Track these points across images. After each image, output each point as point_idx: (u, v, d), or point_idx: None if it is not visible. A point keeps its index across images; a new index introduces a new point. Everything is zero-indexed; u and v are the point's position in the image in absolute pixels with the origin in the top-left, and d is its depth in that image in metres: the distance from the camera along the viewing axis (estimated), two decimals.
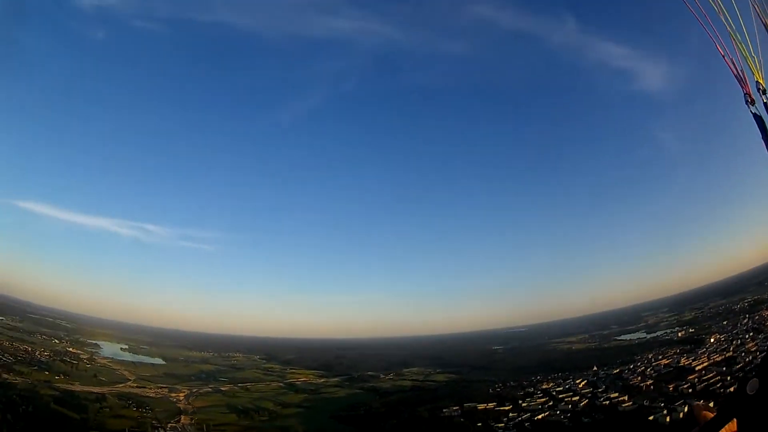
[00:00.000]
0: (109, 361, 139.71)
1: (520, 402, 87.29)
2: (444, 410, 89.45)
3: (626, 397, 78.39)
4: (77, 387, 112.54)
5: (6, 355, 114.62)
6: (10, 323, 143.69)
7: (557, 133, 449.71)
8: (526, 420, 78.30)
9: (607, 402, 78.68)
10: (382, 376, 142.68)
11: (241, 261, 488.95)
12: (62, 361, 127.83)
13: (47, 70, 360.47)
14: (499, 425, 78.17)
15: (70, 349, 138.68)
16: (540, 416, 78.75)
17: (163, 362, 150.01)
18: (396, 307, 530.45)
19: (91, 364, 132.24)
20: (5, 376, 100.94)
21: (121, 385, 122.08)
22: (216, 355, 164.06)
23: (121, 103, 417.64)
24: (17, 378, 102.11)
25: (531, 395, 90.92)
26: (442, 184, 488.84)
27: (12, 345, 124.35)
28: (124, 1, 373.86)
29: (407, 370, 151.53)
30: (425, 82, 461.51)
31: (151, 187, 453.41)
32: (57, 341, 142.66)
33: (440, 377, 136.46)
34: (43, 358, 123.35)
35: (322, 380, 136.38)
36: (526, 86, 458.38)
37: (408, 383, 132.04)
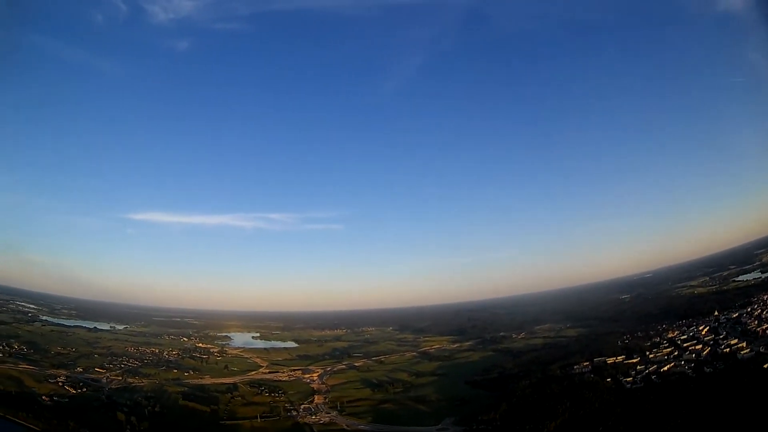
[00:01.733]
0: (240, 351, 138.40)
1: (647, 353, 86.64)
2: (575, 367, 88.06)
3: (744, 344, 75.98)
4: (207, 380, 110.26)
5: (131, 360, 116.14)
6: (136, 330, 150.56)
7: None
8: (653, 372, 76.20)
9: (728, 350, 75.65)
10: (514, 335, 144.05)
11: (368, 235, 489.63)
12: (191, 357, 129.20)
13: (142, 87, 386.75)
14: (628, 379, 75.55)
15: (200, 345, 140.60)
16: (666, 367, 77.13)
17: (296, 345, 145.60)
18: (525, 262, 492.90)
19: (222, 356, 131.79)
20: (130, 380, 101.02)
21: (253, 373, 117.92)
22: (349, 331, 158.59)
23: (219, 103, 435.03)
24: (143, 381, 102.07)
25: (657, 345, 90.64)
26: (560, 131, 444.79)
27: (138, 350, 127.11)
28: (200, 9, 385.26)
29: (539, 327, 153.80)
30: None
31: (270, 178, 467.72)
32: (185, 339, 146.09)
33: (571, 332, 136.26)
34: (171, 358, 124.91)
35: (456, 345, 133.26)
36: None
37: (539, 341, 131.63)
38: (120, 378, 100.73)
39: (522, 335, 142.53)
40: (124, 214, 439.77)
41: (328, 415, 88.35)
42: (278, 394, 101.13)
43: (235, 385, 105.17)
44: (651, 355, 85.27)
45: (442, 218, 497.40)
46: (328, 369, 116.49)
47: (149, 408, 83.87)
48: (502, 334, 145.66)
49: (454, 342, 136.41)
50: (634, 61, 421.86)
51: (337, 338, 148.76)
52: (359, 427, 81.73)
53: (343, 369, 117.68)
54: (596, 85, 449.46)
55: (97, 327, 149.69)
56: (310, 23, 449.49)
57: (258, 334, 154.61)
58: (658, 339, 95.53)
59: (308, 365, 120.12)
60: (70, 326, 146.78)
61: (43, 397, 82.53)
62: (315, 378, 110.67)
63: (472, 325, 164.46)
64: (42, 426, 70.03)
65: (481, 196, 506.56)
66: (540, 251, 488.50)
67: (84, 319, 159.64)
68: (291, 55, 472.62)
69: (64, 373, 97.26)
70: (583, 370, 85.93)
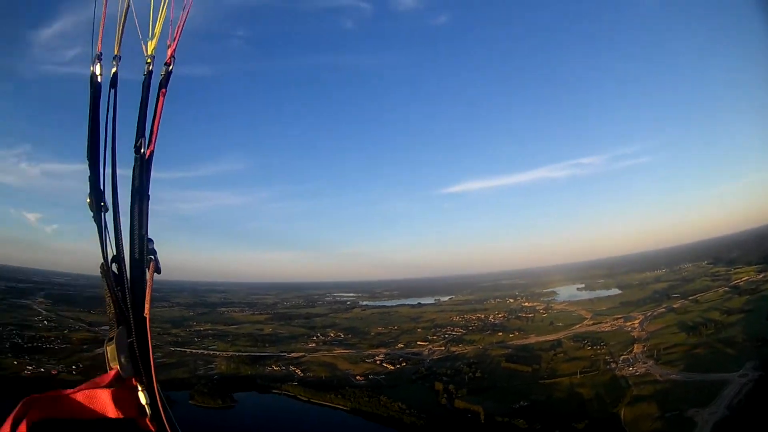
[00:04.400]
0: (565, 305, 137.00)
1: None
2: None
3: None
4: (532, 339, 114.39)
5: (455, 329, 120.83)
6: (461, 299, 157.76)
7: None
8: None
9: None
10: None
11: (675, 164, 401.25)
12: (517, 318, 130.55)
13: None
14: None
15: (526, 304, 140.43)
16: None
17: (619, 291, 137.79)
18: None
19: (547, 312, 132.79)
20: (453, 349, 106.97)
21: (577, 326, 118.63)
22: (667, 270, 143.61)
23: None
24: (467, 348, 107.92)
25: None
26: None
27: (463, 318, 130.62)
28: None
29: None
30: None
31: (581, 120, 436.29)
32: (511, 300, 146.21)
33: None
34: (496, 321, 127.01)
35: (761, 276, 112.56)
36: None
37: None
38: (443, 348, 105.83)
39: None
40: (439, 190, 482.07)
41: (645, 365, 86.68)
42: (600, 346, 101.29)
43: (558, 341, 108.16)
44: None
45: None
46: (648, 314, 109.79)
47: (469, 374, 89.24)
48: None
49: (760, 272, 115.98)
50: None
51: (657, 279, 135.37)
52: (671, 376, 78.73)
53: (662, 312, 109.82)
54: None
55: (421, 302, 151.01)
56: None
57: (583, 285, 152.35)
58: None
59: (630, 312, 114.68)
60: (392, 306, 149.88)
61: (357, 377, 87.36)
62: (636, 325, 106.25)
63: None
64: (350, 405, 77.14)
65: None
66: None
67: (407, 297, 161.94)
68: None
69: (384, 351, 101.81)
70: None
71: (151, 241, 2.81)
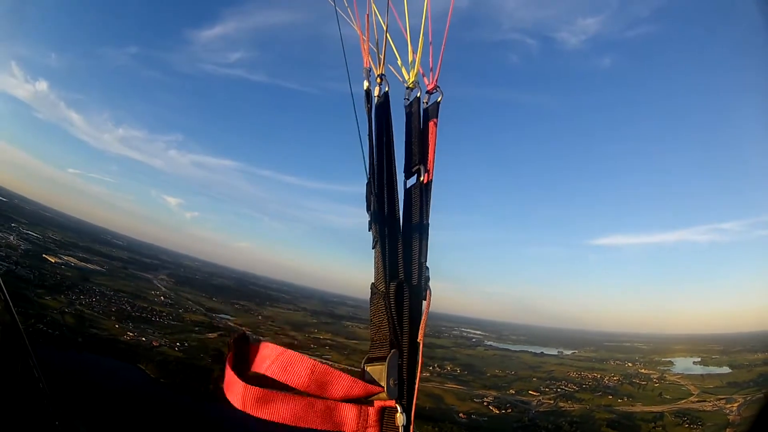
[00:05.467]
0: (678, 377, 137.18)
1: None
2: None
3: None
4: (638, 408, 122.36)
5: (569, 384, 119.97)
6: (583, 355, 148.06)
7: None
8: None
9: None
10: None
11: None
12: (630, 383, 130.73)
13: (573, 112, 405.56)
14: None
15: (642, 371, 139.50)
16: None
17: (729, 370, 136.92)
18: None
19: (660, 382, 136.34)
20: (561, 404, 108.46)
21: (682, 402, 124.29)
22: None
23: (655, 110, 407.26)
24: (575, 405, 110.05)
25: None
26: None
27: (579, 375, 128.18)
28: (605, 23, 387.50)
29: None
30: None
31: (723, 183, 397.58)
32: (630, 364, 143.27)
33: None
34: (610, 383, 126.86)
35: None
36: None
37: None
38: (551, 402, 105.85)
39: None
40: (588, 241, 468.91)
41: None
42: (697, 425, 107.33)
43: (661, 414, 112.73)
44: None
45: None
46: (749, 398, 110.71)
47: None
48: None
49: None
50: None
51: (766, 362, 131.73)
52: None
53: (761, 398, 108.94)
54: None
55: (544, 352, 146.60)
56: None
57: (699, 359, 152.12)
58: None
59: (733, 393, 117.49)
60: (515, 351, 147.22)
61: (460, 415, 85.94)
62: (734, 408, 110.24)
63: None
64: None
65: None
66: None
67: (532, 344, 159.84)
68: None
69: (494, 393, 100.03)
70: None
71: (428, 269, 2.75)
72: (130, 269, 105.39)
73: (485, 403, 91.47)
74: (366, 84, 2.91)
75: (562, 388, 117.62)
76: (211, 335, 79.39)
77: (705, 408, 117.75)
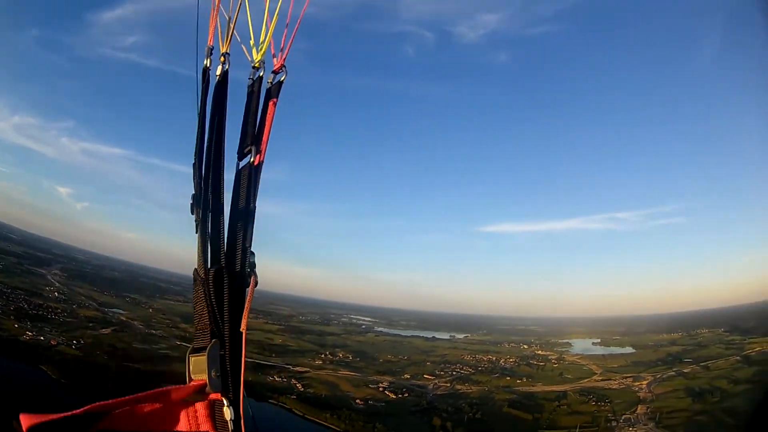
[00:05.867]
0: (578, 358, 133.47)
1: None
2: None
3: None
4: (538, 388, 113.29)
5: (464, 368, 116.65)
6: (476, 338, 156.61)
7: None
8: None
9: None
10: None
11: (707, 228, 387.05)
12: (528, 365, 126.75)
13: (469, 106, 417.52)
14: None
15: (539, 352, 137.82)
16: None
17: (633, 350, 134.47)
18: None
19: (559, 363, 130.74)
20: (458, 387, 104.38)
21: (585, 381, 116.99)
22: (684, 334, 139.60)
23: (550, 105, 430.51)
24: (472, 387, 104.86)
25: None
26: None
27: (474, 358, 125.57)
28: (505, 20, 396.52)
29: None
30: None
31: (619, 175, 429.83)
32: (525, 346, 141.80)
33: None
34: (507, 365, 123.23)
35: None
36: None
37: None
38: (448, 385, 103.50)
39: None
40: (476, 228, 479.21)
41: (645, 426, 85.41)
42: (604, 402, 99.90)
43: (564, 393, 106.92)
44: None
45: None
46: (658, 376, 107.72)
47: (470, 414, 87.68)
48: None
49: None
50: None
51: (672, 342, 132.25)
52: None
53: (672, 376, 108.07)
54: None
55: (436, 336, 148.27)
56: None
57: (599, 340, 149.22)
58: None
59: (640, 372, 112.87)
60: (406, 336, 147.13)
61: (357, 401, 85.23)
62: (644, 386, 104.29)
63: None
64: (344, 427, 75.00)
65: None
66: None
67: (423, 329, 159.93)
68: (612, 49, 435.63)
69: (389, 379, 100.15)
70: None
71: (252, 254, 2.66)
72: (25, 265, 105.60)
73: (381, 389, 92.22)
74: (207, 62, 2.94)
75: (458, 371, 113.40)
76: (104, 331, 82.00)
77: (611, 386, 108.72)
